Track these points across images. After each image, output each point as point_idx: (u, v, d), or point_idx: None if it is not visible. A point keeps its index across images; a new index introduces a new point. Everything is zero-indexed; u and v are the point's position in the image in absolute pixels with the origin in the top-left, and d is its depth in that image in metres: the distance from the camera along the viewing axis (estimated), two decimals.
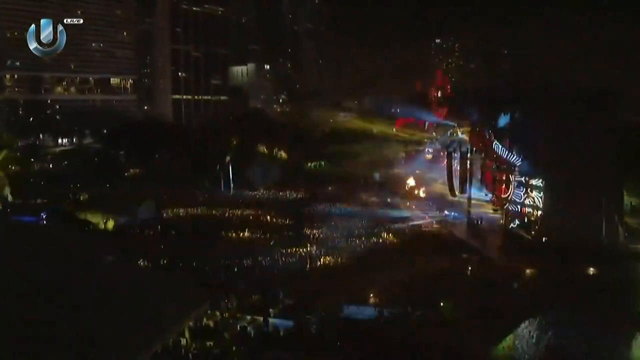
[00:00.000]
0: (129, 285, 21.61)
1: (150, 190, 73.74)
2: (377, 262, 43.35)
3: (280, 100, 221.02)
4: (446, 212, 61.42)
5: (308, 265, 43.79)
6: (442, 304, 33.15)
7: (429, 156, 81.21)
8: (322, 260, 45.09)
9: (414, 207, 67.07)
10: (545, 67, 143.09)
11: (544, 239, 46.95)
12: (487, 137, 53.04)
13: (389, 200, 71.08)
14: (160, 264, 43.09)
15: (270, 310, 32.28)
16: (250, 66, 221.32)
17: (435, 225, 57.74)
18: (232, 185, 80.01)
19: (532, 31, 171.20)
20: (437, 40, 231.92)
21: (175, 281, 30.22)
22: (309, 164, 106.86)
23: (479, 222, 55.96)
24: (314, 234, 53.47)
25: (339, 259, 45.44)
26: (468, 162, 59.02)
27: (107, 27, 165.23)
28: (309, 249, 47.87)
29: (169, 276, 34.95)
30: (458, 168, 60.38)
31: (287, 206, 68.33)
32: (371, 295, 35.64)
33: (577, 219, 46.17)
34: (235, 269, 42.58)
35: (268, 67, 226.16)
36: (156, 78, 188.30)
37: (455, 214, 60.10)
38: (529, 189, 48.48)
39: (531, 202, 48.32)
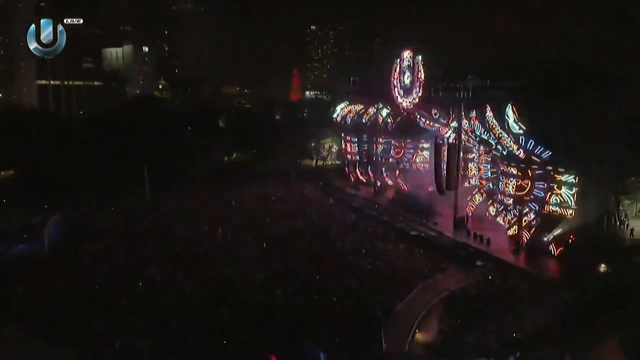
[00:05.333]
0: None
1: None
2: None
3: (160, 86, 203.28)
4: None
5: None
6: None
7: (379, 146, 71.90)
8: None
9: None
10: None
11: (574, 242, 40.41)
12: (492, 124, 45.10)
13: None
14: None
15: None
16: (127, 48, 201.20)
17: None
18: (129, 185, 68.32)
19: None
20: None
21: None
22: (226, 157, 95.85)
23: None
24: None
25: None
26: (457, 154, 50.93)
27: None
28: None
29: None
30: (445, 161, 52.04)
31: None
32: None
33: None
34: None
35: (146, 49, 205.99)
36: (16, 60, 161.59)
37: None
38: (555, 185, 41.24)
39: (558, 200, 41.12)
